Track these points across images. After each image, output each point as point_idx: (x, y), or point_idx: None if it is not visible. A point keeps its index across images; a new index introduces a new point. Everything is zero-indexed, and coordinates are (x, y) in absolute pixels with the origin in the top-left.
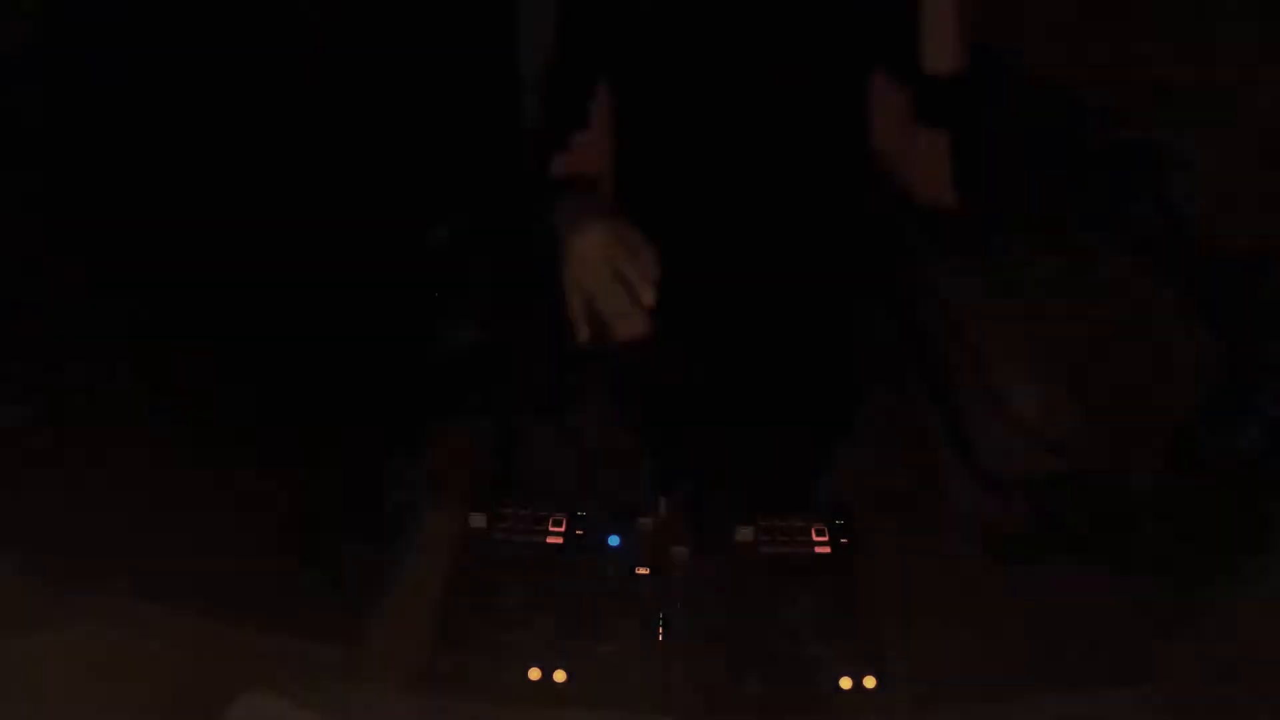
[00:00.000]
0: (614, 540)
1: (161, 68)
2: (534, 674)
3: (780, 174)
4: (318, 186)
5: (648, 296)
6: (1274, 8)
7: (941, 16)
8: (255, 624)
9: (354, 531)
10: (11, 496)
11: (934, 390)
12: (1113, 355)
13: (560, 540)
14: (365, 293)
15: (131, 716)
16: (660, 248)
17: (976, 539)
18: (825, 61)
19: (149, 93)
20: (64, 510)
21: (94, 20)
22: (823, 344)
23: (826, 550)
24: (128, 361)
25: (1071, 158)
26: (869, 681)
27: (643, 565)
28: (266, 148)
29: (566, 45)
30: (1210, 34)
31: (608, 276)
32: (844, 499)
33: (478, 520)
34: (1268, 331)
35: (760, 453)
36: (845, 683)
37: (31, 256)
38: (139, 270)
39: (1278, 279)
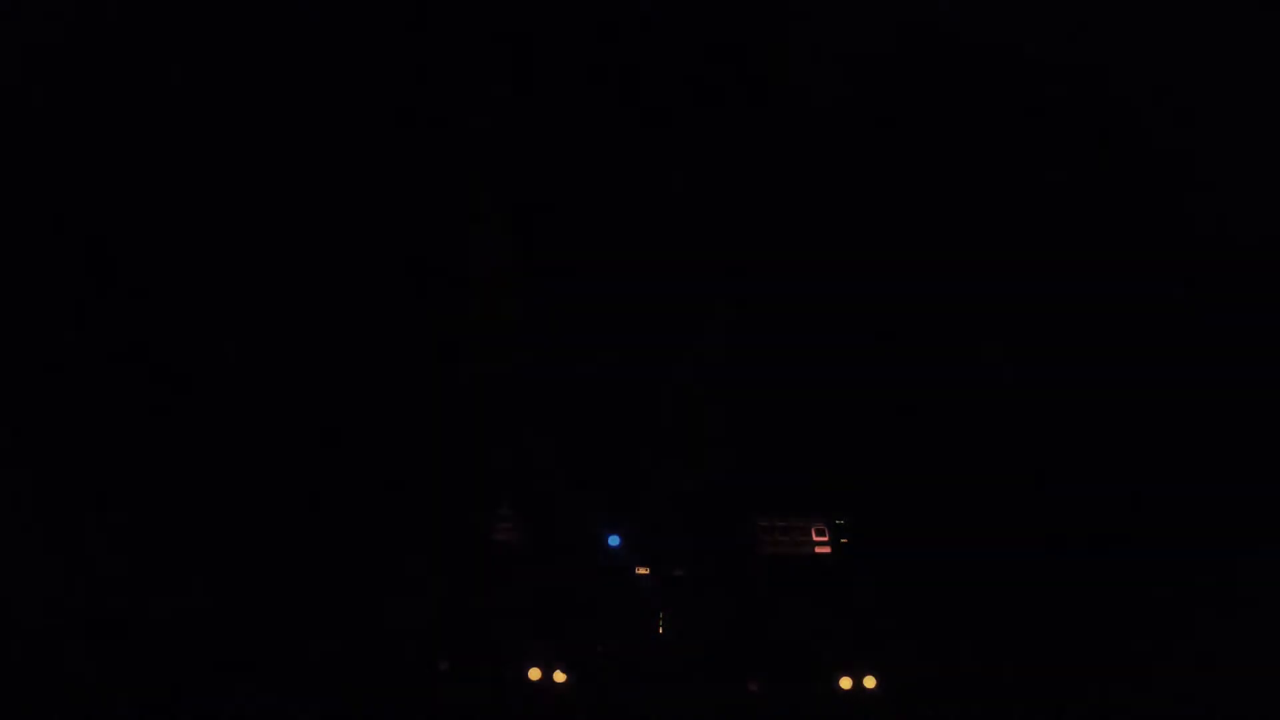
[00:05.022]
0: (614, 540)
1: None
2: (534, 674)
3: None
4: None
5: None
6: None
7: None
8: (258, 623)
9: (356, 533)
10: None
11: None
12: None
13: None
14: None
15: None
16: None
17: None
18: None
19: None
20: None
21: None
22: None
23: (826, 550)
24: None
25: None
26: (869, 681)
27: (643, 565)
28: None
29: None
30: None
31: None
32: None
33: (477, 522)
34: None
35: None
36: (845, 683)
37: None
38: None
39: None
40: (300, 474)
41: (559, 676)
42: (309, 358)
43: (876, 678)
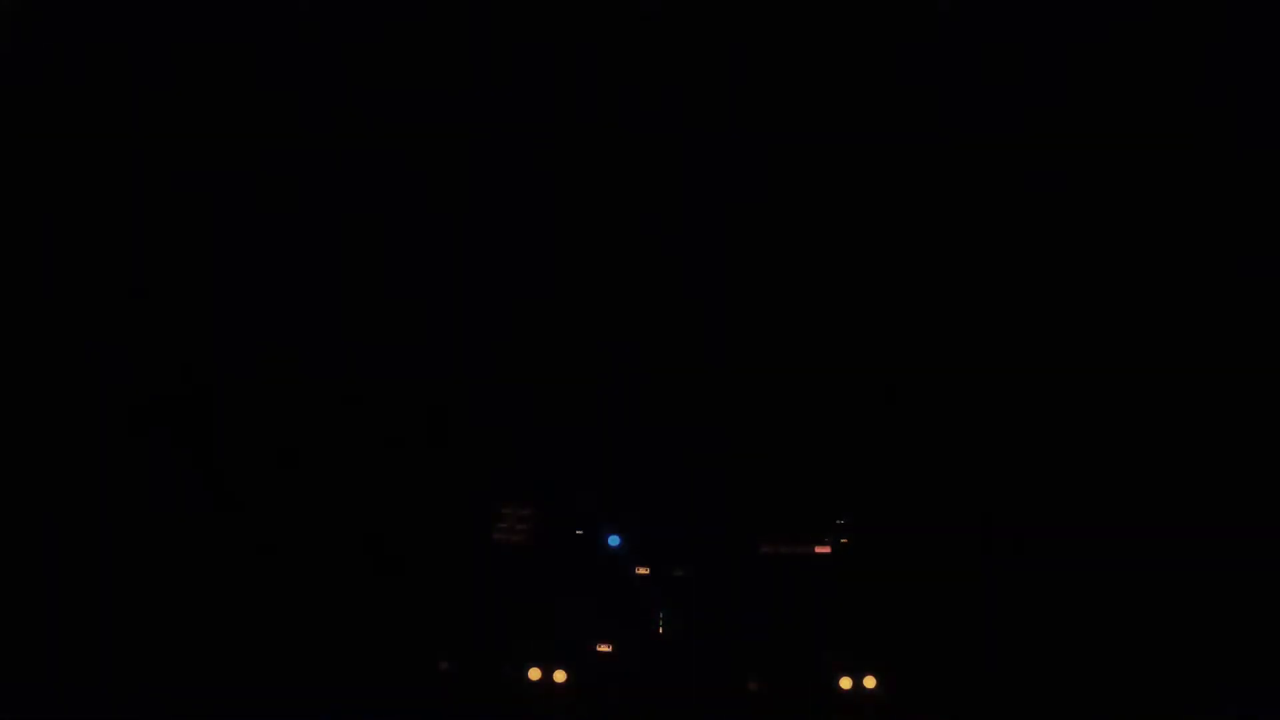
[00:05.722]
0: (614, 540)
1: None
2: (534, 674)
3: None
4: None
5: None
6: None
7: None
8: (259, 624)
9: (355, 533)
10: None
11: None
12: None
13: (560, 540)
14: None
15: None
16: None
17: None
18: None
19: None
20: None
21: None
22: None
23: (826, 550)
24: None
25: None
26: (869, 681)
27: (643, 565)
28: None
29: None
30: None
31: None
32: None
33: (478, 523)
34: None
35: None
36: (845, 683)
37: None
38: None
39: None
40: (299, 474)
41: (559, 676)
42: (312, 361)
43: (876, 678)
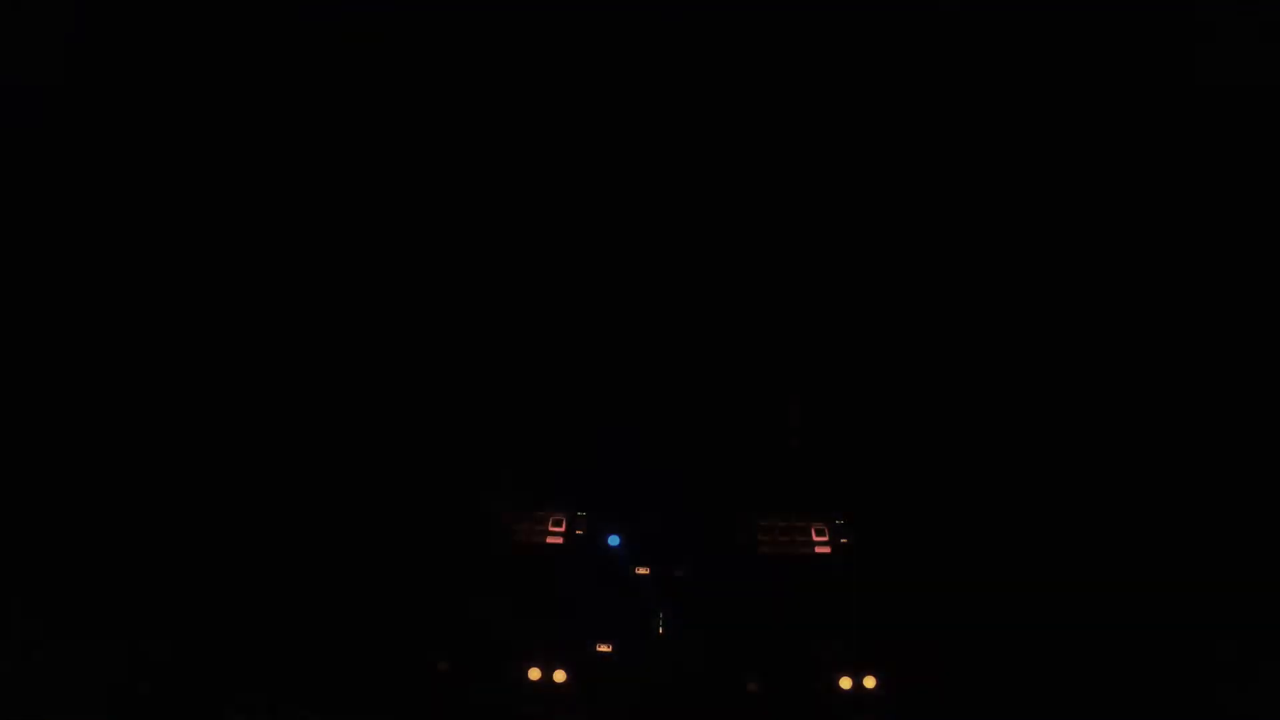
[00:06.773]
0: (614, 540)
1: None
2: (534, 674)
3: None
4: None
5: None
6: None
7: None
8: (258, 623)
9: (356, 535)
10: None
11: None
12: None
13: (560, 540)
14: None
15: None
16: None
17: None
18: None
19: None
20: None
21: None
22: None
23: (826, 550)
24: None
25: None
26: (869, 681)
27: (643, 565)
28: None
29: None
30: None
31: None
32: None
33: (477, 522)
34: None
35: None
36: (845, 683)
37: None
38: None
39: None
40: (301, 475)
41: (559, 676)
42: (312, 358)
43: (876, 678)
